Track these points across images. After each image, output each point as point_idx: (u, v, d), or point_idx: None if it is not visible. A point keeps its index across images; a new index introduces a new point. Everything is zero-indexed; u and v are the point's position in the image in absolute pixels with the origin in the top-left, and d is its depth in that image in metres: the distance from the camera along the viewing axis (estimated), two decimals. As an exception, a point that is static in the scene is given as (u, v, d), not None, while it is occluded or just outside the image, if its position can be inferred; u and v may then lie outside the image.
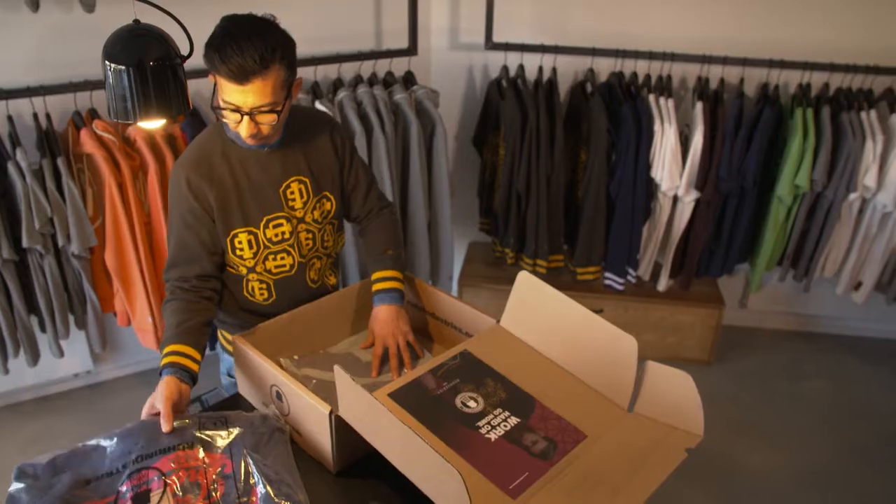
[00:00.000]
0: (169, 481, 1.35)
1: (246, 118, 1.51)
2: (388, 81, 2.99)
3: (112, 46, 1.40)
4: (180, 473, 1.37)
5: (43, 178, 2.37)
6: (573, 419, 1.50)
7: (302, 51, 1.63)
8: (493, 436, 1.43)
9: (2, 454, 2.78)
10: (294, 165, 1.72)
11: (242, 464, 1.39)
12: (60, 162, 2.38)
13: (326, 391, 1.61)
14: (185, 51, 1.50)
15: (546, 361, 1.67)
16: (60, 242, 2.43)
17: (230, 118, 1.53)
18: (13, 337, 2.55)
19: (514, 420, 1.48)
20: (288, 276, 1.78)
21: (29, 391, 3.05)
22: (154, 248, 2.57)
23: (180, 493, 1.34)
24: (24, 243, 2.36)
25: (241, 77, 1.44)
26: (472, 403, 1.51)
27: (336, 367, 1.37)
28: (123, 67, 1.38)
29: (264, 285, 1.77)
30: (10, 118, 2.43)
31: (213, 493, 1.35)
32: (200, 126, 2.62)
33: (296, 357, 1.77)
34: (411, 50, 3.01)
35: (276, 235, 1.72)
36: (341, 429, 1.43)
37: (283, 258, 1.75)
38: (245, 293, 1.79)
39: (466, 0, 3.21)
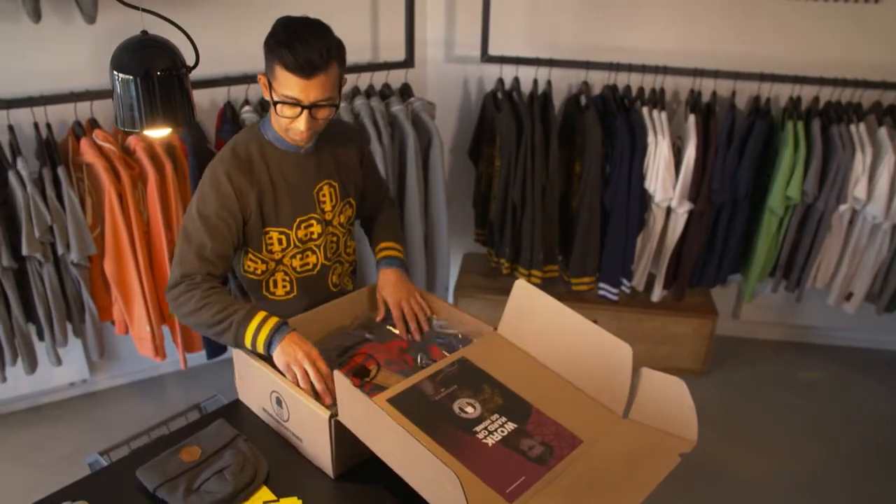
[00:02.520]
0: (377, 357, 1.71)
1: (305, 112, 1.58)
2: (385, 93, 3.02)
3: (120, 56, 1.43)
4: (379, 355, 1.72)
5: (43, 186, 2.39)
6: (569, 425, 1.53)
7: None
8: (490, 441, 1.45)
9: (-4, 463, 2.79)
10: (326, 169, 1.80)
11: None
12: (61, 171, 2.39)
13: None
14: (190, 61, 1.53)
15: (542, 368, 1.70)
16: (60, 251, 2.44)
17: (288, 113, 1.59)
18: (11, 345, 2.56)
19: (511, 425, 1.50)
20: (311, 276, 1.84)
21: (23, 400, 3.04)
22: (153, 258, 2.58)
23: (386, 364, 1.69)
24: (24, 251, 2.37)
25: (307, 71, 1.52)
26: (469, 409, 1.53)
27: (336, 373, 1.39)
28: (131, 77, 1.41)
29: (287, 279, 1.82)
30: (10, 127, 2.45)
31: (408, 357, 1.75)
32: (200, 136, 2.64)
33: None
34: (408, 62, 3.05)
35: (306, 235, 1.78)
36: (341, 433, 1.45)
37: (308, 256, 1.81)
38: (265, 292, 1.83)
39: (462, 13, 3.25)
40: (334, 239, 1.85)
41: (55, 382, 3.04)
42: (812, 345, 3.68)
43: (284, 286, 1.82)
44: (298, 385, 1.54)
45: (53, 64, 2.55)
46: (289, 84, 1.54)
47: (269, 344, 1.58)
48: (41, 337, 2.62)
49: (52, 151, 2.43)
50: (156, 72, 1.42)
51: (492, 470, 1.38)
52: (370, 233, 2.06)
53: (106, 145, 2.45)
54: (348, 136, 1.88)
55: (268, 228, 1.73)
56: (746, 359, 3.56)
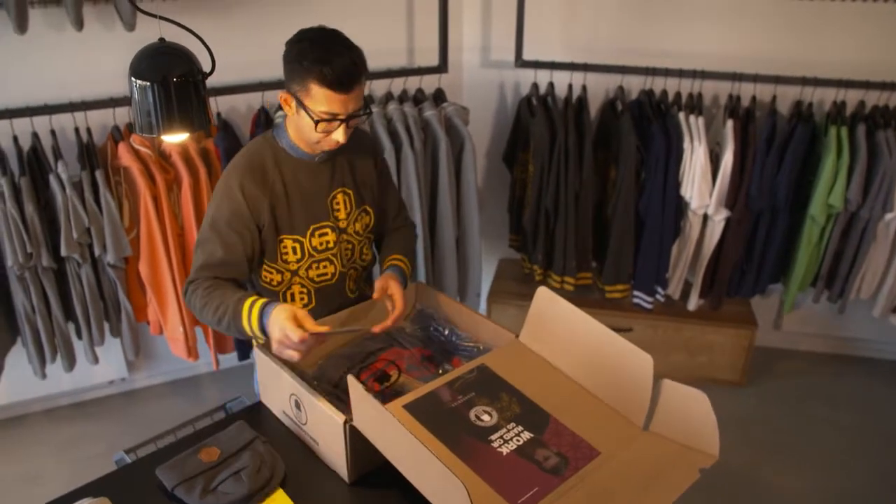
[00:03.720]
0: (399, 363, 1.73)
1: (343, 124, 1.59)
2: (419, 98, 3.03)
3: (138, 63, 1.46)
4: (401, 361, 1.75)
5: (82, 189, 2.46)
6: (587, 436, 1.50)
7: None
8: (505, 450, 1.44)
9: (36, 456, 2.87)
10: (340, 177, 1.79)
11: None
12: (98, 174, 2.46)
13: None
14: (207, 68, 1.55)
15: (562, 377, 1.67)
16: (97, 252, 2.51)
17: (324, 127, 1.59)
18: (51, 342, 2.64)
19: (527, 435, 1.48)
20: (329, 285, 1.83)
21: (65, 397, 3.14)
22: (186, 260, 2.64)
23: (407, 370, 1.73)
24: (63, 252, 2.45)
25: (347, 85, 1.53)
26: (485, 417, 1.52)
27: (349, 378, 1.39)
28: (148, 83, 1.44)
29: (305, 290, 1.82)
30: (52, 132, 2.53)
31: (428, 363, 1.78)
32: (233, 140, 2.69)
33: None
34: (441, 67, 3.05)
35: (322, 244, 1.77)
36: (356, 438, 1.45)
37: (325, 266, 1.80)
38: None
39: (498, 18, 3.24)
40: (349, 247, 1.84)
41: (96, 380, 3.12)
42: (856, 357, 3.56)
43: (302, 298, 1.82)
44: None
45: (95, 70, 2.63)
46: (327, 100, 1.54)
47: (263, 331, 1.57)
48: (80, 336, 2.70)
49: (91, 155, 2.50)
50: (172, 78, 1.44)
51: (504, 479, 1.36)
52: (384, 243, 2.00)
53: (142, 149, 2.51)
54: (362, 142, 1.86)
55: (282, 237, 1.73)
56: (787, 371, 3.46)
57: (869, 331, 3.46)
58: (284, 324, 1.49)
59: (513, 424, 1.50)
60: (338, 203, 1.79)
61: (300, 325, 1.50)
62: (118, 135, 2.56)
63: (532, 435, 1.48)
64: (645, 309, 3.23)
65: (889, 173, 2.79)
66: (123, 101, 2.55)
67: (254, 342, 1.96)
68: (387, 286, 1.78)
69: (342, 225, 1.81)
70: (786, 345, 3.61)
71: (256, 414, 1.76)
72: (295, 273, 1.78)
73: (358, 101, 1.59)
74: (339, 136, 1.60)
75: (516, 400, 1.57)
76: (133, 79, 1.43)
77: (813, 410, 3.19)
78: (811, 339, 3.59)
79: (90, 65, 2.62)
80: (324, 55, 1.51)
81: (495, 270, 3.64)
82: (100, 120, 2.61)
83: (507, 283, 3.54)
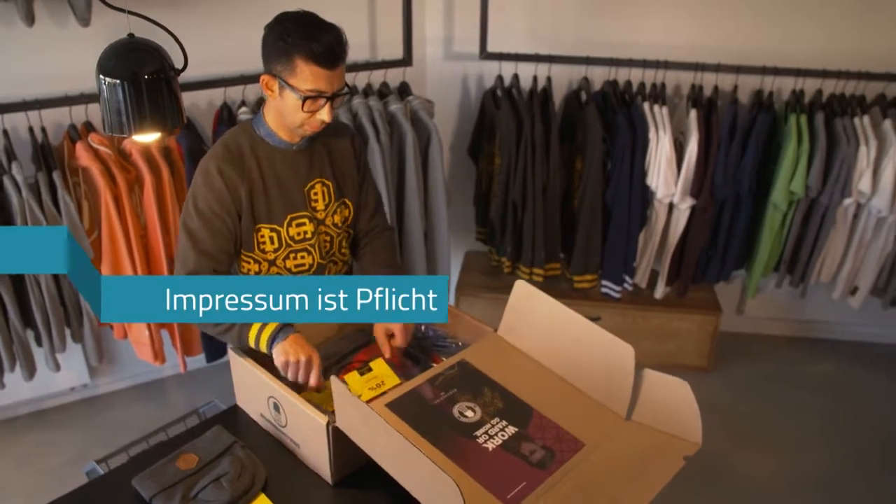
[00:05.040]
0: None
1: (329, 103, 1.59)
2: (384, 92, 2.99)
3: (107, 60, 1.40)
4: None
5: (39, 191, 2.37)
6: (571, 428, 1.51)
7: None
8: (490, 445, 1.43)
9: (-2, 469, 2.78)
10: (319, 167, 1.77)
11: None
12: (56, 175, 2.37)
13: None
14: (179, 64, 1.51)
15: (544, 370, 1.67)
16: (56, 256, 2.42)
17: (312, 107, 1.59)
18: (9, 351, 2.54)
19: (511, 429, 1.48)
20: (306, 276, 1.80)
21: (25, 405, 3.03)
22: (150, 261, 2.56)
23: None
24: (20, 257, 2.35)
25: (333, 62, 1.54)
26: (469, 413, 1.51)
27: (332, 378, 1.37)
28: (118, 81, 1.38)
29: None
30: (5, 132, 2.43)
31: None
32: (196, 139, 2.62)
33: None
34: (406, 61, 3.02)
35: (299, 234, 1.76)
36: (339, 440, 1.43)
37: (303, 257, 1.78)
38: None
39: (461, 10, 3.22)
40: (327, 238, 1.81)
41: (57, 387, 3.02)
42: (818, 339, 3.65)
43: None
44: (295, 381, 1.56)
45: (48, 67, 2.53)
46: (314, 77, 1.54)
47: (271, 341, 1.58)
48: (39, 343, 2.60)
49: (46, 156, 2.41)
50: (143, 75, 1.39)
51: (492, 475, 1.36)
52: (361, 261, 1.93)
53: (102, 149, 2.43)
54: (341, 132, 1.84)
55: (259, 225, 1.71)
56: (752, 355, 3.53)
57: (829, 313, 3.55)
58: (311, 357, 1.58)
59: (497, 419, 1.50)
60: (316, 193, 1.77)
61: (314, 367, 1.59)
62: (75, 134, 2.47)
63: (516, 429, 1.48)
64: (613, 298, 3.26)
65: (847, 160, 2.86)
66: (79, 99, 2.46)
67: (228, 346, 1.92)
68: (388, 329, 1.73)
69: (320, 216, 1.78)
70: (749, 329, 3.68)
71: (232, 418, 1.73)
72: (272, 263, 1.76)
73: (342, 80, 1.60)
74: (324, 115, 1.60)
75: (499, 395, 1.57)
76: (101, 76, 1.38)
77: (778, 392, 3.27)
78: (774, 323, 3.67)
79: (44, 62, 2.53)
80: (311, 32, 1.52)
81: (462, 263, 3.63)
82: (55, 119, 2.52)
83: (475, 275, 3.53)
